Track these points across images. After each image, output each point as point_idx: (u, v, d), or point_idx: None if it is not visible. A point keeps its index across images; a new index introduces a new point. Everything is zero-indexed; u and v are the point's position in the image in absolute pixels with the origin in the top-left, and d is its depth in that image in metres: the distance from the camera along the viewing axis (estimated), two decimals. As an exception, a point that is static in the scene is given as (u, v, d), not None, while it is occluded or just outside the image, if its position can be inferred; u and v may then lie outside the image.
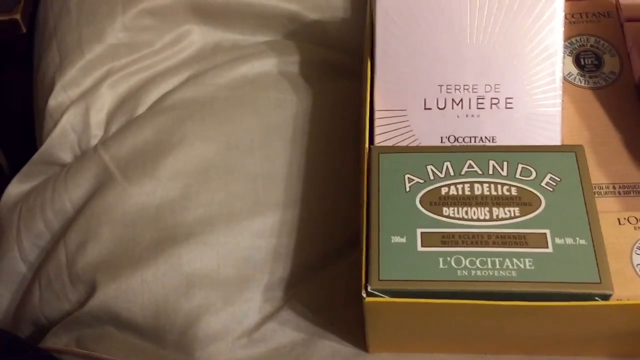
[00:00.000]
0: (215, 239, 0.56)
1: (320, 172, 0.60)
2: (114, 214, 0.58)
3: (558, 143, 0.50)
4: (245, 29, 0.70)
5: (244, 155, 0.61)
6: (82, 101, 0.65)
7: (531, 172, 0.45)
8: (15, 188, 0.65)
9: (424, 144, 0.50)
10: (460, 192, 0.44)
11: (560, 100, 0.50)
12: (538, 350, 0.49)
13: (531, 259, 0.41)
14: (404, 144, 0.50)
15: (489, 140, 0.50)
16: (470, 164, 0.46)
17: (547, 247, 0.41)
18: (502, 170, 0.45)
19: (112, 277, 0.55)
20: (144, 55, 0.67)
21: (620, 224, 0.47)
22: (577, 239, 0.42)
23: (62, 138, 0.64)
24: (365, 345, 0.50)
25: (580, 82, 0.55)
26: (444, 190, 0.44)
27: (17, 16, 0.71)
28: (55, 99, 0.65)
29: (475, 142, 0.50)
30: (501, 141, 0.50)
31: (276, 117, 0.63)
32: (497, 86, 0.50)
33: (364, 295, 0.41)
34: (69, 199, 0.61)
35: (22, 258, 0.61)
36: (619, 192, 0.50)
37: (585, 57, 0.56)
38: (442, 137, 0.51)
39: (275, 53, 0.67)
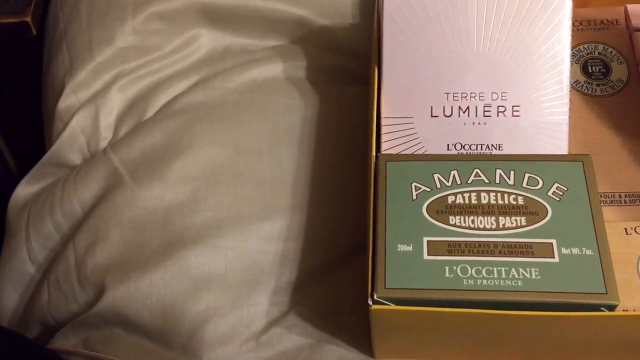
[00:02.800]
0: (224, 242, 0.56)
1: (328, 177, 0.60)
2: (123, 217, 0.58)
3: (565, 151, 0.50)
4: (254, 34, 0.71)
5: (252, 160, 0.61)
6: (92, 104, 0.65)
7: (538, 181, 0.45)
8: (24, 189, 0.65)
9: (430, 151, 0.51)
10: (466, 201, 0.44)
11: (568, 109, 0.50)
12: (544, 358, 0.49)
13: (537, 269, 0.41)
14: (410, 151, 0.51)
15: (496, 148, 0.50)
16: (477, 172, 0.46)
17: (554, 257, 0.42)
18: (509, 179, 0.45)
19: (121, 280, 0.55)
20: (153, 59, 0.68)
21: (627, 233, 0.47)
22: (584, 249, 0.42)
23: (71, 140, 0.65)
24: (371, 351, 0.50)
25: (588, 90, 0.55)
26: (450, 199, 0.45)
27: (28, 18, 0.71)
28: (65, 101, 0.65)
29: (481, 149, 0.51)
30: (508, 149, 0.50)
31: (284, 122, 0.63)
32: (503, 94, 0.50)
33: (370, 303, 0.41)
34: (78, 200, 0.61)
35: (31, 259, 0.61)
36: (625, 201, 0.50)
37: (593, 65, 0.56)
38: (448, 145, 0.51)
39: (284, 58, 0.68)
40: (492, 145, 0.51)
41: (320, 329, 0.53)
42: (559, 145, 0.50)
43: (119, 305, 0.55)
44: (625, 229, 0.47)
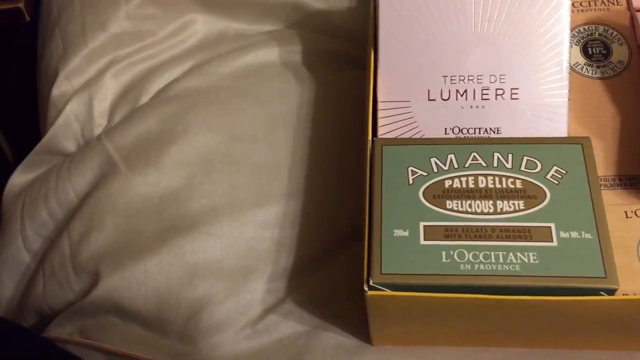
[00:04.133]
0: (219, 229, 0.56)
1: (324, 163, 0.59)
2: (118, 204, 0.58)
3: (564, 134, 0.49)
4: (250, 18, 0.70)
5: (247, 146, 0.60)
6: (86, 90, 0.64)
7: (536, 164, 0.44)
8: (19, 178, 0.65)
9: (427, 135, 0.50)
10: (464, 185, 0.44)
11: (567, 91, 0.49)
12: (543, 343, 0.49)
13: (535, 253, 0.40)
14: (408, 135, 0.50)
15: (494, 132, 0.50)
16: (474, 156, 0.45)
17: (552, 241, 0.41)
18: (507, 162, 0.44)
19: (116, 267, 0.55)
20: (147, 44, 0.67)
21: (627, 217, 0.46)
22: (583, 232, 0.41)
23: (65, 127, 0.64)
24: (369, 338, 0.50)
25: (588, 71, 0.54)
26: (447, 183, 0.44)
27: (21, 4, 0.70)
28: (59, 88, 0.65)
29: (479, 133, 0.50)
30: (506, 132, 0.49)
31: (280, 107, 0.63)
32: (502, 77, 0.49)
33: (366, 289, 0.41)
34: (73, 188, 0.61)
35: (26, 247, 0.61)
36: (626, 184, 0.49)
37: (593, 46, 0.55)
38: (446, 129, 0.50)
39: (280, 42, 0.67)
40: (491, 128, 0.50)
41: (317, 315, 0.53)
42: (558, 128, 0.49)
43: (114, 293, 0.54)
44: (626, 212, 0.46)
